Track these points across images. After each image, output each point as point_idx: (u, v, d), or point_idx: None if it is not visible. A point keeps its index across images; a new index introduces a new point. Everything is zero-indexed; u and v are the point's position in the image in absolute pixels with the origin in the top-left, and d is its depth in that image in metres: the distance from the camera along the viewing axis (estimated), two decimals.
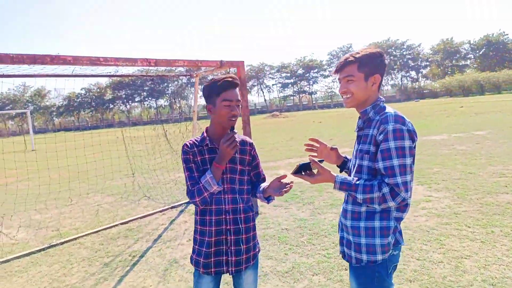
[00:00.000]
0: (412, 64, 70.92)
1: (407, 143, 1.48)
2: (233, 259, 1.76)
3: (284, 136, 16.48)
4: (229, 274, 1.80)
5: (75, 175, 8.15)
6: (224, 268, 1.77)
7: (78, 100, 72.41)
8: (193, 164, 1.75)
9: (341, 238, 1.78)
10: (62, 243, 4.62)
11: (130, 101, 75.19)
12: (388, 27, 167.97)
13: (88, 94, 72.37)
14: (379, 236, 1.57)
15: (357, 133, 1.74)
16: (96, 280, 3.53)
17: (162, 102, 77.24)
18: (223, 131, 1.78)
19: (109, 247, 4.37)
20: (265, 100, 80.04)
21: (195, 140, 1.83)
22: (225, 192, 1.77)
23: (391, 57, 69.57)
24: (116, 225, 5.21)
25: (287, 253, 3.75)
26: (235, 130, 1.70)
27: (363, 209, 1.61)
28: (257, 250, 1.91)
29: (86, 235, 4.88)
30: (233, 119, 1.72)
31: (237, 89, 1.76)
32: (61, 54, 3.29)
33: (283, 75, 76.58)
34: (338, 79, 1.69)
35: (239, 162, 1.83)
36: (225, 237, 1.76)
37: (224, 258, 1.76)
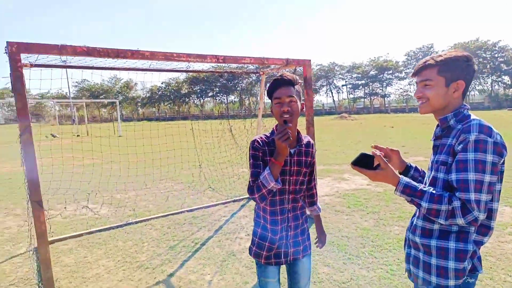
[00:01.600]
0: (505, 68, 62.42)
1: (490, 157, 1.30)
2: (291, 250, 1.89)
3: (352, 139, 15.87)
4: (287, 264, 1.95)
5: (151, 162, 8.91)
6: (283, 260, 1.89)
7: (159, 93, 78.60)
8: (260, 162, 1.77)
9: (408, 255, 1.65)
10: (136, 222, 5.09)
11: (203, 96, 79.29)
12: (477, 26, 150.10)
13: (167, 87, 78.11)
14: (453, 259, 1.42)
15: (434, 142, 1.59)
16: (162, 260, 3.82)
17: (232, 98, 79.95)
18: None
19: (175, 232, 4.70)
20: (333, 101, 77.88)
21: (266, 138, 1.84)
22: (289, 192, 1.85)
23: (480, 60, 61.94)
24: (183, 211, 5.57)
25: (345, 262, 3.62)
26: (290, 124, 1.70)
27: (436, 226, 1.47)
28: (310, 240, 2.04)
29: (157, 217, 5.31)
30: (284, 116, 1.72)
31: (291, 86, 1.74)
32: (140, 50, 3.61)
33: (354, 75, 73.49)
34: (416, 82, 1.57)
35: (304, 165, 1.87)
36: (285, 233, 1.86)
37: (283, 250, 1.87)
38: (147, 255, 3.97)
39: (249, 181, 1.77)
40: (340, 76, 75.18)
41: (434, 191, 1.38)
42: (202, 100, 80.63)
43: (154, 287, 3.26)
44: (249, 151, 1.81)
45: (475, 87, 67.66)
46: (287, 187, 1.82)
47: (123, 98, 78.78)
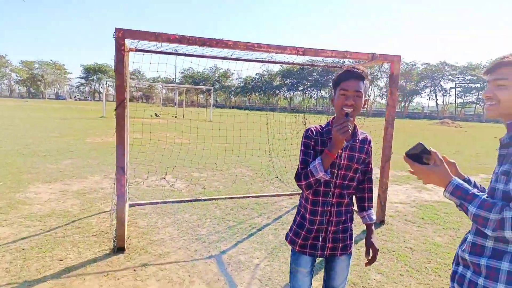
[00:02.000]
0: None
1: None
2: (329, 245, 1.84)
3: (449, 148, 14.17)
4: (324, 258, 1.91)
5: (231, 147, 9.45)
6: (319, 253, 1.85)
7: (252, 83, 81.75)
8: (311, 151, 1.77)
9: (454, 272, 1.47)
10: (204, 200, 5.50)
11: (294, 89, 79.60)
12: None
13: (260, 79, 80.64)
14: (504, 282, 1.24)
15: (500, 151, 1.39)
16: (219, 237, 4.08)
17: (323, 93, 78.41)
18: None
19: (236, 214, 4.94)
20: (436, 104, 70.08)
21: (320, 128, 1.84)
22: (335, 186, 1.80)
23: None
24: (248, 197, 5.79)
25: (402, 274, 3.34)
26: (351, 118, 1.66)
27: (489, 243, 1.29)
28: (353, 240, 1.94)
29: (223, 198, 5.64)
30: (346, 109, 1.68)
31: (360, 81, 1.70)
32: (224, 39, 3.83)
33: (468, 77, 64.74)
34: (488, 81, 1.38)
35: (356, 161, 1.82)
36: (326, 227, 1.82)
37: (320, 243, 1.84)
38: (207, 231, 4.27)
39: (298, 168, 1.78)
40: (449, 77, 67.25)
41: (487, 198, 1.23)
42: (292, 93, 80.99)
43: (206, 260, 3.52)
44: (302, 139, 1.82)
45: None
46: (333, 180, 1.78)
47: (219, 86, 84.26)
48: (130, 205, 5.03)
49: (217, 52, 4.68)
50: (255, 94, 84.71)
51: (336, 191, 1.80)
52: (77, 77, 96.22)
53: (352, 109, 1.67)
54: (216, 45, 3.85)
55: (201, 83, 78.74)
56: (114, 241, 3.65)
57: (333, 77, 1.81)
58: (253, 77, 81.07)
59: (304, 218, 1.87)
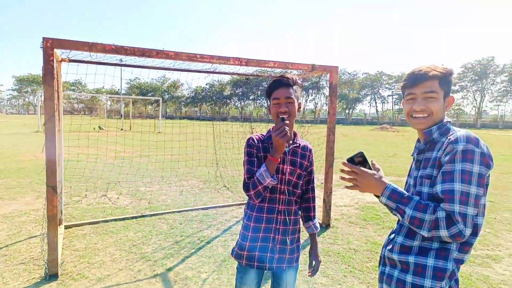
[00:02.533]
0: None
1: (476, 168, 1.23)
2: (276, 256, 1.81)
3: (388, 151, 15.20)
4: (271, 271, 1.87)
5: (180, 158, 9.21)
6: (267, 265, 1.81)
7: (202, 93, 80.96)
8: (255, 159, 1.78)
9: (381, 273, 1.54)
10: (150, 215, 5.27)
11: (244, 99, 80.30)
12: None
13: (211, 89, 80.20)
14: (430, 277, 1.32)
15: (416, 157, 1.49)
16: (165, 254, 3.92)
17: None
18: None
19: (184, 228, 4.79)
20: (377, 111, 75.19)
21: (261, 135, 1.87)
22: (281, 192, 1.80)
23: None
24: (197, 209, 5.67)
25: (346, 275, 3.48)
26: (287, 121, 1.70)
27: (416, 243, 1.38)
28: (300, 253, 1.94)
29: (171, 212, 5.45)
30: (282, 116, 1.73)
31: (290, 88, 1.76)
32: (165, 50, 3.74)
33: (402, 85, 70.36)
34: (409, 93, 1.44)
35: (299, 166, 1.85)
36: (272, 236, 1.80)
37: (268, 255, 1.80)
38: (153, 248, 4.09)
39: (244, 178, 1.77)
40: (387, 85, 72.51)
41: (420, 200, 1.30)
42: (242, 103, 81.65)
43: (150, 279, 3.35)
44: (245, 148, 1.83)
45: None
46: (279, 186, 1.79)
47: (169, 96, 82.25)
48: (67, 227, 4.65)
49: (161, 62, 4.56)
50: (205, 104, 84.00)
51: (282, 197, 1.81)
52: (9, 89, 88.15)
53: (287, 115, 1.73)
54: (156, 56, 3.75)
55: (149, 94, 76.23)
56: (46, 267, 3.34)
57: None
58: (203, 87, 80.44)
59: (247, 228, 1.83)
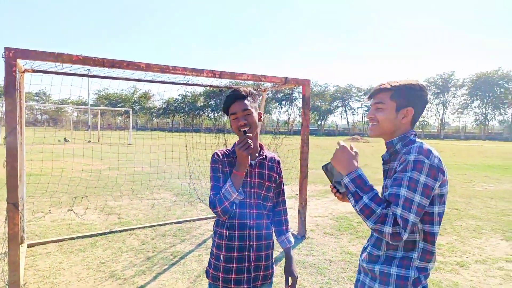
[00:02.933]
0: None
1: (423, 178, 1.29)
2: (252, 275, 1.74)
3: (359, 161, 15.59)
4: None
5: (154, 170, 8.95)
6: (245, 286, 1.73)
7: (175, 105, 79.92)
8: (221, 174, 1.73)
9: (357, 281, 1.60)
10: (121, 231, 5.05)
11: (218, 110, 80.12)
12: (498, 57, 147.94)
13: (183, 100, 79.39)
14: (393, 285, 1.38)
15: (383, 167, 1.59)
16: (136, 271, 3.75)
17: None
18: None
19: (157, 243, 4.63)
20: (347, 122, 77.47)
21: (227, 150, 1.83)
22: (250, 206, 1.75)
23: (502, 90, 60.86)
24: (171, 223, 5.50)
25: (322, 286, 3.47)
26: (250, 134, 1.68)
27: (382, 252, 1.45)
28: (274, 269, 1.88)
29: (142, 227, 5.26)
30: (243, 129, 1.70)
31: (244, 100, 1.74)
32: (136, 61, 3.66)
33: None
34: (370, 104, 1.58)
35: (267, 178, 1.81)
36: (247, 253, 1.73)
37: (245, 276, 1.72)
38: (123, 265, 3.90)
39: (210, 195, 1.71)
40: (356, 98, 75.04)
41: (379, 195, 1.37)
42: (216, 114, 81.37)
43: None
44: (210, 164, 1.78)
45: (494, 117, 66.20)
46: (248, 200, 1.73)
47: (139, 107, 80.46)
48: (29, 245, 4.36)
49: (131, 74, 4.46)
50: (178, 115, 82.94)
51: (252, 211, 1.75)
52: None
53: (247, 128, 1.70)
54: (127, 67, 3.67)
55: (119, 105, 74.25)
56: None
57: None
58: (176, 98, 79.50)
59: (220, 247, 1.74)
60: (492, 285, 3.54)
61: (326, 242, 4.78)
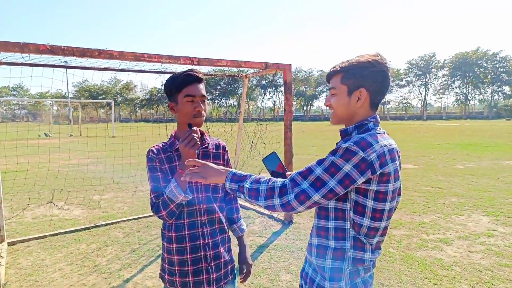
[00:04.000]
0: (506, 78, 62.46)
1: (347, 167, 1.13)
2: (213, 276, 1.60)
3: None
4: None
5: (136, 164, 8.79)
6: None
7: (158, 95, 78.65)
8: (159, 173, 1.54)
9: (302, 270, 1.47)
10: (105, 225, 4.96)
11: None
12: (478, 36, 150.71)
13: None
14: (328, 279, 1.26)
15: None
16: (121, 265, 3.69)
17: (232, 101, 79.97)
18: None
19: (142, 235, 4.57)
20: None
21: (163, 144, 1.62)
22: (199, 201, 1.58)
23: (481, 70, 62.22)
24: None
25: None
26: (195, 128, 1.50)
27: (314, 241, 1.31)
28: (234, 263, 1.75)
29: (127, 220, 5.18)
30: (198, 116, 1.53)
31: (202, 84, 1.56)
32: (108, 49, 3.51)
33: None
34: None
35: None
36: (203, 253, 1.58)
37: (205, 277, 1.58)
38: (108, 259, 3.84)
39: (151, 198, 1.53)
40: None
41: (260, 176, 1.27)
42: None
43: None
44: (146, 163, 1.58)
45: (475, 97, 67.80)
46: (196, 195, 1.57)
47: (122, 99, 78.87)
48: (10, 243, 4.24)
49: (105, 63, 4.29)
50: (162, 105, 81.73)
51: (202, 207, 1.59)
52: None
53: (202, 116, 1.55)
54: (99, 56, 3.51)
55: (100, 97, 72.56)
56: None
57: (166, 82, 1.60)
58: (159, 88, 78.16)
59: (171, 252, 1.58)
60: (475, 260, 3.63)
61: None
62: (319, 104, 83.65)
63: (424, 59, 66.81)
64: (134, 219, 5.23)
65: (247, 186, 1.24)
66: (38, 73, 4.36)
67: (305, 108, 76.06)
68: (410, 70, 68.90)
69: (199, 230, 1.58)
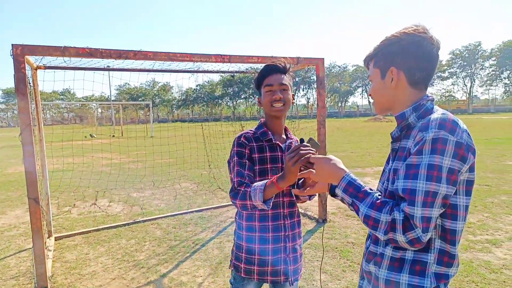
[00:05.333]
0: None
1: (447, 162, 0.97)
2: (291, 267, 1.62)
3: (382, 142, 15.19)
4: (289, 284, 1.65)
5: (175, 161, 9.05)
6: (282, 278, 1.60)
7: (193, 95, 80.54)
8: (247, 161, 1.55)
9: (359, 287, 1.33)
10: (144, 221, 5.14)
11: (236, 98, 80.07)
12: None
13: (201, 90, 79.81)
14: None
15: (392, 145, 1.23)
16: (159, 260, 3.80)
17: None
18: (275, 122, 1.64)
19: (179, 232, 4.68)
20: (369, 102, 75.47)
21: (253, 132, 1.64)
22: (283, 194, 1.61)
23: None
24: (192, 212, 5.55)
25: (345, 270, 3.39)
26: (308, 144, 1.34)
27: (388, 252, 1.12)
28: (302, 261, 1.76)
29: (164, 217, 5.33)
30: (276, 105, 1.56)
31: (283, 74, 1.59)
32: (143, 50, 3.62)
33: None
34: None
35: None
36: (283, 245, 1.60)
37: (282, 267, 1.59)
38: (146, 254, 3.97)
39: (234, 182, 1.51)
40: None
41: (379, 196, 1.08)
42: (234, 102, 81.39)
43: (144, 287, 3.24)
44: (233, 147, 1.59)
45: None
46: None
47: (160, 100, 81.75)
48: (57, 238, 4.51)
49: (140, 64, 4.43)
50: (197, 105, 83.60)
51: (286, 200, 1.62)
52: None
53: (281, 104, 1.57)
54: (134, 57, 3.63)
55: (140, 99, 75.69)
56: (35, 282, 3.21)
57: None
58: (194, 89, 80.00)
59: (251, 240, 1.59)
60: None
61: (349, 225, 4.67)
62: (354, 100, 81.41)
63: (469, 48, 62.52)
64: (171, 216, 5.37)
65: (363, 212, 1.07)
66: (80, 76, 4.61)
67: (339, 104, 74.36)
68: (453, 61, 64.87)
69: (281, 222, 1.61)
